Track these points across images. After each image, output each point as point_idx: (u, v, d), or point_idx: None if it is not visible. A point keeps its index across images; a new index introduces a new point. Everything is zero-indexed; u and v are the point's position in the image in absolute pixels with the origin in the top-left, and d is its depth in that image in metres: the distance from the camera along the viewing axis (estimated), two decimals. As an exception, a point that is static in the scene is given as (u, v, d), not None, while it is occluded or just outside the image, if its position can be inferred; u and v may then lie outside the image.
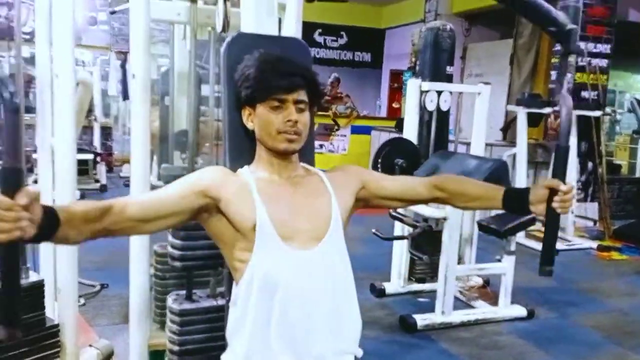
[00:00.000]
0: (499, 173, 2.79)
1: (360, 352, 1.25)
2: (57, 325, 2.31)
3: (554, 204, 1.20)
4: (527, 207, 1.25)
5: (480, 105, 3.62)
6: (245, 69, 1.25)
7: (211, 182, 1.18)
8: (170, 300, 2.05)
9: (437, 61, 3.97)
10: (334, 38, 9.33)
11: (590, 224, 5.77)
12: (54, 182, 2.21)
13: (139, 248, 1.98)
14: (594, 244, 5.17)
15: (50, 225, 0.94)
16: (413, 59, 8.54)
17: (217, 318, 2.05)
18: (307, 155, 1.36)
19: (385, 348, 2.86)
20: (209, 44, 2.53)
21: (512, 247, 3.31)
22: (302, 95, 1.22)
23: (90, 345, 2.49)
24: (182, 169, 2.66)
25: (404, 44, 8.87)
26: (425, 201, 1.43)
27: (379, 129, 7.77)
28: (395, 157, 3.26)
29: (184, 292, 2.11)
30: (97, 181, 6.55)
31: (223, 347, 2.05)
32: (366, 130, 7.99)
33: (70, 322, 2.36)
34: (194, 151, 2.45)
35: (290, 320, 1.14)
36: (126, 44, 8.26)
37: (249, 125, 1.27)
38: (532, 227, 5.51)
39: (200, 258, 1.98)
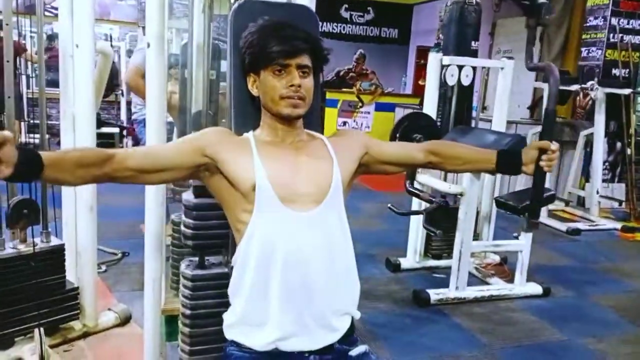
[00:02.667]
0: (517, 148, 2.74)
1: (357, 314, 1.27)
2: (77, 288, 2.41)
3: (542, 162, 1.34)
4: (520, 167, 1.36)
5: (502, 80, 3.56)
6: (249, 36, 1.26)
7: (209, 141, 1.21)
8: (183, 266, 2.10)
9: (462, 36, 3.88)
10: (361, 14, 9.18)
11: (616, 204, 5.64)
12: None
13: (154, 216, 2.03)
14: (619, 225, 5.07)
15: (30, 166, 1.01)
16: (440, 35, 8.39)
17: (226, 285, 2.11)
18: (312, 121, 1.37)
19: (398, 321, 2.89)
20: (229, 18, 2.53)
21: (526, 225, 3.27)
22: (306, 60, 1.22)
23: (109, 309, 2.59)
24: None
25: (432, 20, 8.70)
26: (420, 165, 1.48)
27: (403, 106, 7.69)
28: (413, 132, 3.24)
29: (197, 258, 2.17)
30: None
31: (233, 312, 2.11)
32: (390, 108, 7.92)
33: (89, 285, 2.46)
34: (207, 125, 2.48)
35: (289, 280, 1.16)
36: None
37: (254, 91, 1.28)
38: (554, 207, 5.48)
39: (212, 237, 2.01)
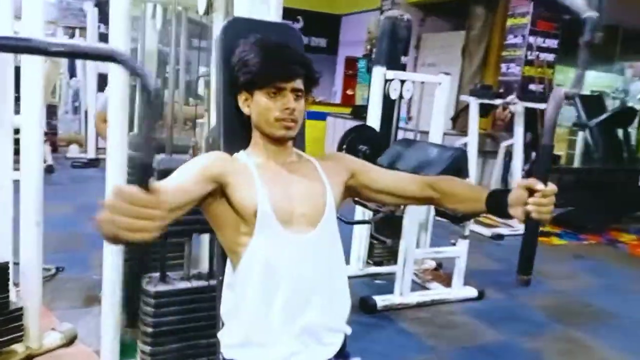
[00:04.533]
0: (459, 161, 2.91)
1: (349, 330, 1.32)
2: (20, 309, 2.27)
3: (528, 207, 1.09)
4: (506, 210, 1.17)
5: (439, 94, 3.74)
6: (244, 54, 1.26)
7: (219, 168, 1.19)
8: (144, 283, 2.05)
9: (393, 50, 4.05)
10: (290, 22, 9.29)
11: (533, 210, 6.07)
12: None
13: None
14: (537, 230, 5.46)
15: None
16: (368, 47, 8.64)
17: (190, 300, 2.08)
18: (298, 141, 1.39)
19: (347, 328, 2.96)
20: (179, 24, 2.50)
21: (467, 232, 3.48)
22: (300, 84, 1.25)
23: (53, 329, 2.45)
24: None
25: (359, 31, 8.94)
26: (416, 199, 1.39)
27: (334, 115, 7.84)
28: (359, 144, 3.34)
29: (157, 274, 2.12)
30: (43, 161, 6.30)
31: (196, 329, 2.09)
32: (321, 116, 8.04)
33: (34, 305, 2.33)
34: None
35: (291, 301, 1.18)
36: (75, 18, 7.95)
37: (245, 110, 1.29)
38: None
39: (180, 224, 1.95)
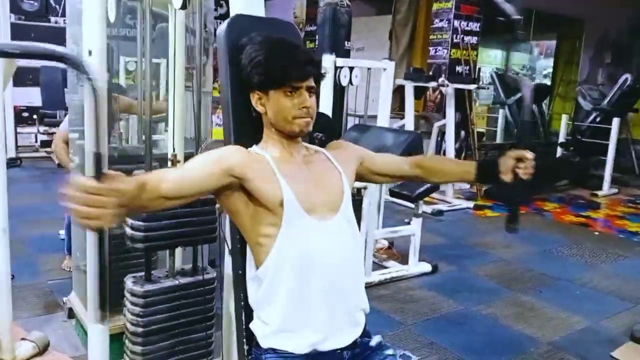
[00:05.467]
0: (415, 144, 3.06)
1: (368, 308, 1.39)
2: (-9, 321, 2.16)
3: (519, 170, 1.35)
4: (498, 175, 1.38)
5: (385, 80, 3.87)
6: (255, 53, 1.28)
7: (235, 162, 1.22)
8: (129, 283, 2.01)
9: (336, 36, 4.13)
10: (214, 8, 9.10)
11: (466, 186, 6.44)
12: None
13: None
14: (471, 204, 5.81)
15: None
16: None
17: (178, 297, 2.07)
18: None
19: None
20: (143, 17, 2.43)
21: (420, 211, 3.66)
22: (312, 82, 1.30)
23: (23, 339, 2.35)
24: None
25: (285, 15, 8.93)
26: (407, 177, 1.55)
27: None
28: (314, 132, 3.38)
29: (141, 274, 2.08)
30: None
31: (186, 324, 2.09)
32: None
33: (5, 316, 2.22)
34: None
35: (324, 285, 1.24)
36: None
37: (260, 108, 1.31)
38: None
39: (162, 238, 1.97)
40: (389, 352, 1.34)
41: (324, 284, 1.24)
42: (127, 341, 2.05)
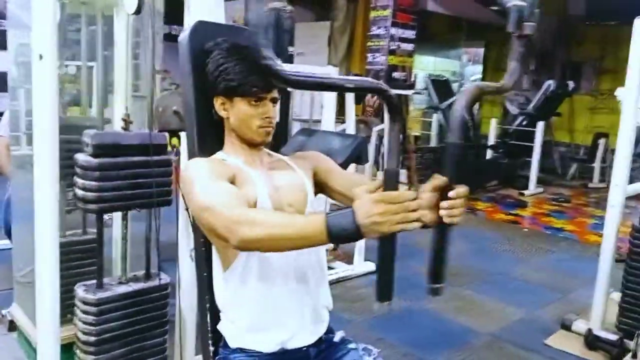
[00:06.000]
0: (360, 149, 3.15)
1: (331, 305, 1.44)
2: None
3: (441, 211, 1.09)
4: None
5: (328, 85, 3.96)
6: (223, 60, 1.30)
7: (227, 169, 1.26)
8: (80, 292, 1.97)
9: (281, 42, 4.18)
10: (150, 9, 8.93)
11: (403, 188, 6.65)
12: None
13: (48, 239, 1.85)
14: (409, 205, 6.01)
15: None
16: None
17: (132, 303, 2.05)
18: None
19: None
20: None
21: (365, 212, 3.76)
22: (276, 93, 1.35)
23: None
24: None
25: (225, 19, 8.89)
26: None
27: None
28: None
29: (91, 282, 2.04)
30: None
31: (140, 331, 2.08)
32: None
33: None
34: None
35: (290, 285, 1.28)
36: None
37: (222, 113, 1.34)
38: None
39: (116, 199, 1.90)
40: (352, 345, 1.41)
41: (291, 283, 1.29)
42: (78, 351, 2.00)
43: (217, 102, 1.35)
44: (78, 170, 1.86)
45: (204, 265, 1.42)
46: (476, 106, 9.82)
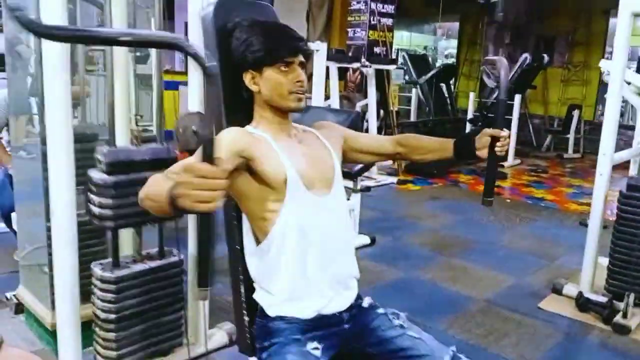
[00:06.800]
0: (356, 123, 3.21)
1: (359, 275, 1.51)
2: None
3: (496, 148, 1.44)
4: (474, 152, 1.48)
5: (318, 61, 3.98)
6: (247, 34, 1.34)
7: (243, 143, 1.27)
8: (98, 270, 1.99)
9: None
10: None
11: (387, 163, 6.74)
12: None
13: (64, 220, 1.86)
14: (394, 180, 6.12)
15: None
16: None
17: (150, 280, 2.08)
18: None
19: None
20: None
21: (359, 187, 3.83)
22: (302, 58, 1.38)
23: (-27, 338, 2.23)
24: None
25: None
26: (389, 156, 1.64)
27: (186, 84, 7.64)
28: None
29: (107, 260, 2.06)
30: None
31: (157, 307, 2.11)
32: (173, 86, 7.79)
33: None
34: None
35: (323, 255, 1.34)
36: None
37: (254, 87, 1.37)
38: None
39: (131, 215, 1.92)
40: (380, 310, 1.47)
41: (323, 254, 1.34)
42: (97, 329, 2.03)
43: (247, 78, 1.37)
44: (92, 187, 1.87)
45: (237, 239, 1.47)
46: (452, 80, 9.94)
